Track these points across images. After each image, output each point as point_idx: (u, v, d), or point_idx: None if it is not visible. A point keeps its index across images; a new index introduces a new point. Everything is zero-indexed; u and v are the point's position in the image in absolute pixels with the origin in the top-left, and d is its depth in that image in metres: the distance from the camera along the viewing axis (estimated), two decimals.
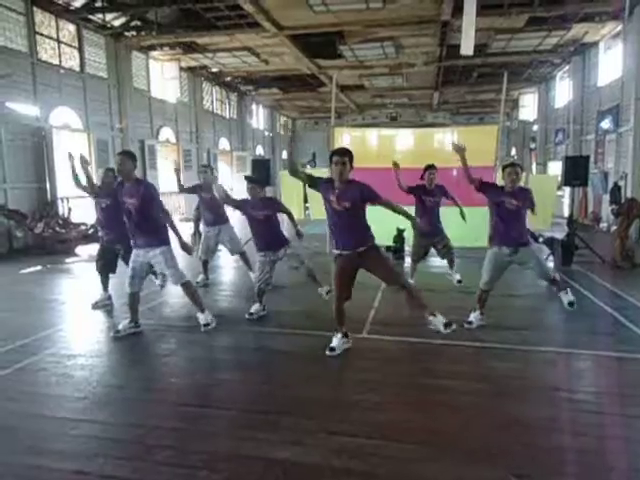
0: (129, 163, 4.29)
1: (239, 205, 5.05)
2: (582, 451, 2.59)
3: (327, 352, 3.94)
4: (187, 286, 4.54)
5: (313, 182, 3.89)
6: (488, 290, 4.66)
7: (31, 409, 3.11)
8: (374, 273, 3.90)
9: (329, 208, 3.81)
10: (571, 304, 4.68)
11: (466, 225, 5.94)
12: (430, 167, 5.85)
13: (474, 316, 4.68)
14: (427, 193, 5.84)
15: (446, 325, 3.73)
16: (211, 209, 6.38)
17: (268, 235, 4.98)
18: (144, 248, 4.39)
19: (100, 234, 5.56)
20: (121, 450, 2.65)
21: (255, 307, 5.04)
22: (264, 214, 4.89)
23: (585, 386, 3.46)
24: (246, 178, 5.07)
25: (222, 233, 6.43)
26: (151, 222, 4.35)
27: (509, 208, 4.48)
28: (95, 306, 5.41)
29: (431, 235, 5.92)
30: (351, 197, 3.69)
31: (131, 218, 4.33)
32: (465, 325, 4.60)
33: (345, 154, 3.71)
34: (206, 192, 6.37)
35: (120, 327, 4.53)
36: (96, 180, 5.54)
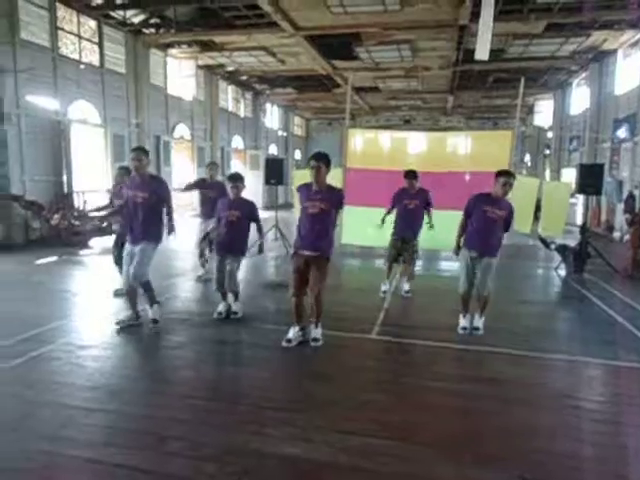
0: (145, 158, 4.46)
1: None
2: (590, 459, 2.60)
3: (283, 343, 4.09)
4: (146, 284, 4.54)
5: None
6: (466, 293, 4.57)
7: (45, 397, 3.18)
8: (308, 273, 4.06)
9: (306, 210, 4.04)
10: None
11: (437, 228, 5.94)
12: (410, 172, 5.79)
13: (464, 320, 4.63)
14: (408, 197, 5.79)
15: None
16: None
17: (232, 238, 4.81)
18: (135, 242, 4.45)
19: (117, 228, 5.67)
20: (132, 440, 2.70)
21: (221, 306, 4.97)
22: (237, 215, 4.79)
23: (594, 395, 3.45)
24: (230, 177, 4.97)
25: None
26: (153, 218, 4.48)
27: (490, 217, 4.36)
28: (116, 294, 5.57)
29: (407, 239, 5.80)
30: (328, 200, 3.98)
31: (135, 211, 4.43)
32: (460, 331, 4.58)
33: (320, 159, 3.92)
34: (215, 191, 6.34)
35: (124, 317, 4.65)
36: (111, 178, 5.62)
